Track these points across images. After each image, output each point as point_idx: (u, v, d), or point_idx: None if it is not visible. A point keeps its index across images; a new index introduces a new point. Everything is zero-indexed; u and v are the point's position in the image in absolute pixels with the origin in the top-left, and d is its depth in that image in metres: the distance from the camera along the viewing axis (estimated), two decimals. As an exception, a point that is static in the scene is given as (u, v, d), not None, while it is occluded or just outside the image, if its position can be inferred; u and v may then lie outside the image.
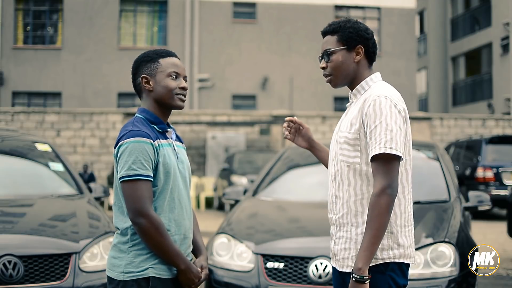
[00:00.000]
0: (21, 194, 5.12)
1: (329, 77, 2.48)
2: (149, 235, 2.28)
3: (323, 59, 2.48)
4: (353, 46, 2.42)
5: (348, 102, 2.55)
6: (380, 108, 2.28)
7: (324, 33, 2.50)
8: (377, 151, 2.25)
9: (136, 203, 2.26)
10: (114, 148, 2.37)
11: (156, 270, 2.32)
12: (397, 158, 2.26)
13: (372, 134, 2.28)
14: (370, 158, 2.29)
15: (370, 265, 2.30)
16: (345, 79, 2.46)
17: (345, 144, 2.39)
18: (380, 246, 2.31)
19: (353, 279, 2.24)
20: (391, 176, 2.25)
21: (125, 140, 2.31)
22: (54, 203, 5.13)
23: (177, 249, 2.33)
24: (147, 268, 2.31)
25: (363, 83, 2.45)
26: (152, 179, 2.31)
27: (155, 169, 2.33)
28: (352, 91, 2.49)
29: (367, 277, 2.23)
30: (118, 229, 2.38)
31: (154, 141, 2.34)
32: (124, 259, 2.33)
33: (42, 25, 22.81)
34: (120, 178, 2.30)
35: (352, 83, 2.47)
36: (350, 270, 2.36)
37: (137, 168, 2.27)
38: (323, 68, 2.48)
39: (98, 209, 5.03)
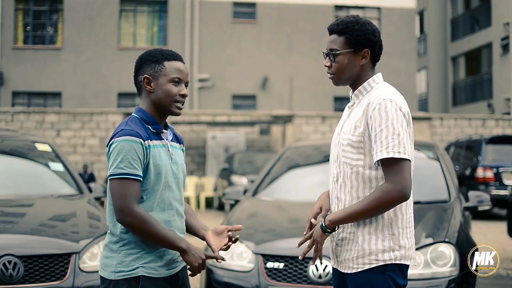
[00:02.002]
0: (21, 194, 5.12)
1: (332, 76, 2.47)
2: (139, 230, 2.29)
3: (328, 57, 2.46)
4: (359, 49, 2.41)
5: (349, 102, 2.56)
6: (386, 112, 2.28)
7: (331, 31, 2.46)
8: (384, 155, 2.26)
9: (121, 202, 2.27)
10: (107, 146, 2.38)
11: (146, 269, 2.33)
12: (407, 161, 2.27)
13: (377, 137, 2.28)
14: (375, 161, 2.30)
15: (371, 266, 2.31)
16: (348, 80, 2.46)
17: (348, 147, 2.38)
18: (381, 247, 2.33)
19: (322, 226, 2.36)
20: (406, 179, 2.26)
21: (116, 139, 2.32)
22: (54, 203, 5.13)
23: (171, 234, 2.32)
24: (137, 268, 2.32)
25: (365, 84, 2.45)
26: (141, 179, 2.32)
27: (146, 170, 2.33)
28: (354, 91, 2.48)
29: (331, 231, 2.36)
30: (109, 228, 2.40)
31: (144, 141, 2.33)
32: (115, 259, 2.34)
33: (42, 25, 22.81)
34: (108, 176, 2.32)
35: (354, 83, 2.47)
36: (351, 271, 2.37)
37: (124, 167, 2.28)
38: (327, 66, 2.47)
39: (98, 209, 5.03)
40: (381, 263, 2.32)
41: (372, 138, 2.31)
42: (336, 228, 2.36)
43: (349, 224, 2.38)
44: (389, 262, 2.33)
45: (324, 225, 2.35)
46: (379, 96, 2.34)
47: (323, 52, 2.52)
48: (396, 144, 2.25)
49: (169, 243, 2.32)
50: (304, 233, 2.51)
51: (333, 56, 2.43)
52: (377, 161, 2.30)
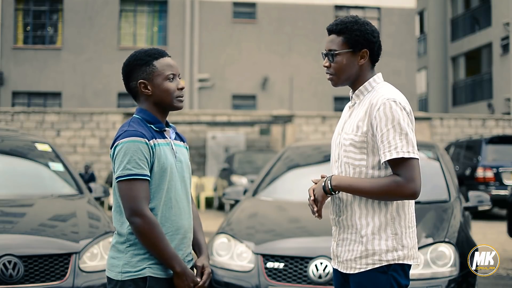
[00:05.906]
0: (21, 194, 5.12)
1: (331, 76, 2.46)
2: (144, 234, 2.28)
3: (326, 58, 2.45)
4: (358, 49, 2.40)
5: (348, 101, 2.55)
6: (391, 112, 2.29)
7: (330, 31, 2.45)
8: (393, 155, 2.26)
9: (131, 203, 2.27)
10: (110, 148, 2.37)
11: (153, 270, 2.32)
12: (417, 160, 2.30)
13: (384, 137, 2.29)
14: (383, 162, 2.30)
15: (375, 266, 2.32)
16: (347, 80, 2.45)
17: (350, 147, 2.38)
18: (385, 247, 2.33)
19: (324, 186, 2.35)
20: (418, 178, 2.29)
21: (120, 141, 2.31)
22: (54, 203, 5.13)
23: (173, 251, 2.32)
24: (144, 268, 2.31)
25: (366, 84, 2.44)
26: (149, 178, 2.31)
27: (150, 169, 2.33)
28: (354, 91, 2.48)
29: (331, 193, 2.36)
30: (116, 229, 2.39)
31: (149, 141, 2.33)
32: (121, 259, 2.34)
33: (42, 25, 22.80)
34: (116, 178, 2.31)
35: (354, 83, 2.46)
36: (354, 272, 2.37)
37: (132, 167, 2.28)
38: (326, 67, 2.46)
39: (98, 209, 5.03)
40: (384, 263, 2.33)
41: (377, 138, 2.31)
42: (336, 193, 2.37)
43: (351, 224, 2.38)
44: (392, 262, 2.33)
45: (330, 186, 2.35)
46: (382, 96, 2.34)
47: (322, 52, 2.51)
48: (404, 144, 2.27)
49: (166, 258, 2.30)
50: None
51: (331, 56, 2.42)
52: (385, 161, 2.30)
